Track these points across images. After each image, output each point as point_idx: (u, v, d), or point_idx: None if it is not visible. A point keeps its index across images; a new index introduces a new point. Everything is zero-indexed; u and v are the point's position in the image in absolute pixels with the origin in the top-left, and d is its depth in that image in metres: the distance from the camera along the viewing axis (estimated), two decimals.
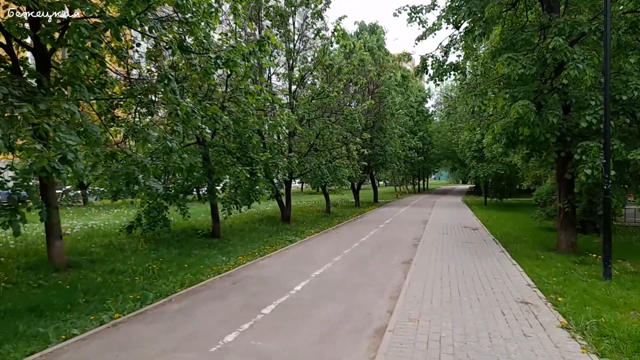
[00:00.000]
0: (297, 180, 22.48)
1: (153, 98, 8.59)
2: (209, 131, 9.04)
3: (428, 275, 7.49)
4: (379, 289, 6.83)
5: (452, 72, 11.40)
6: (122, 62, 8.28)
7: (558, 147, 9.00)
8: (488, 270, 7.79)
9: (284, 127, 15.26)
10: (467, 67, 11.36)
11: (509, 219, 17.82)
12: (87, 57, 5.69)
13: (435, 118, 47.86)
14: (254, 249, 10.65)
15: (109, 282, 7.11)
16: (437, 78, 11.39)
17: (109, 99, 8.34)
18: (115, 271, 7.81)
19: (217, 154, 11.05)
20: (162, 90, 6.98)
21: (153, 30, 6.90)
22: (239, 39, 12.95)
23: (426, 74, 11.29)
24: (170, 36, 7.69)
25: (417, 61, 12.32)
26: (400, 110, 29.05)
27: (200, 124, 8.07)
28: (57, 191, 10.15)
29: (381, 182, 79.11)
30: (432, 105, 45.59)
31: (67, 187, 21.92)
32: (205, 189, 11.93)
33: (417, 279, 7.18)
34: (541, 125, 8.35)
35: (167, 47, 8.15)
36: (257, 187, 11.73)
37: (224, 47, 9.21)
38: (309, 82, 16.97)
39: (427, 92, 45.43)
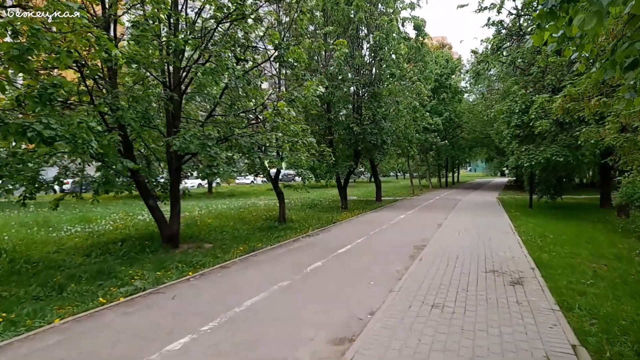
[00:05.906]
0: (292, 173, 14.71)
1: None
2: None
3: None
4: None
5: None
6: None
7: None
8: None
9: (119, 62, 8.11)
10: None
11: (580, 242, 9.55)
12: None
13: (466, 95, 38.74)
14: None
15: None
16: None
17: None
18: None
19: None
20: None
21: None
22: None
23: None
24: None
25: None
26: (412, 75, 20.76)
27: None
28: None
29: (407, 174, 69.55)
30: (462, 73, 36.07)
31: None
32: None
33: None
34: None
35: None
36: None
37: None
38: None
39: (455, 62, 36.12)
